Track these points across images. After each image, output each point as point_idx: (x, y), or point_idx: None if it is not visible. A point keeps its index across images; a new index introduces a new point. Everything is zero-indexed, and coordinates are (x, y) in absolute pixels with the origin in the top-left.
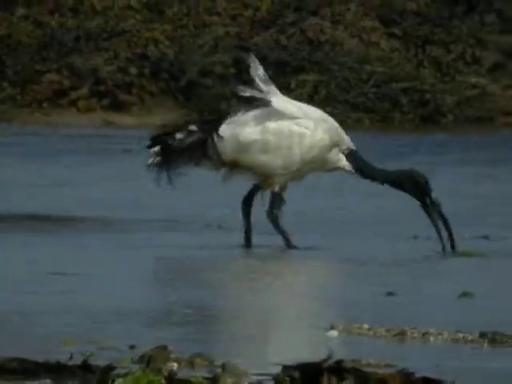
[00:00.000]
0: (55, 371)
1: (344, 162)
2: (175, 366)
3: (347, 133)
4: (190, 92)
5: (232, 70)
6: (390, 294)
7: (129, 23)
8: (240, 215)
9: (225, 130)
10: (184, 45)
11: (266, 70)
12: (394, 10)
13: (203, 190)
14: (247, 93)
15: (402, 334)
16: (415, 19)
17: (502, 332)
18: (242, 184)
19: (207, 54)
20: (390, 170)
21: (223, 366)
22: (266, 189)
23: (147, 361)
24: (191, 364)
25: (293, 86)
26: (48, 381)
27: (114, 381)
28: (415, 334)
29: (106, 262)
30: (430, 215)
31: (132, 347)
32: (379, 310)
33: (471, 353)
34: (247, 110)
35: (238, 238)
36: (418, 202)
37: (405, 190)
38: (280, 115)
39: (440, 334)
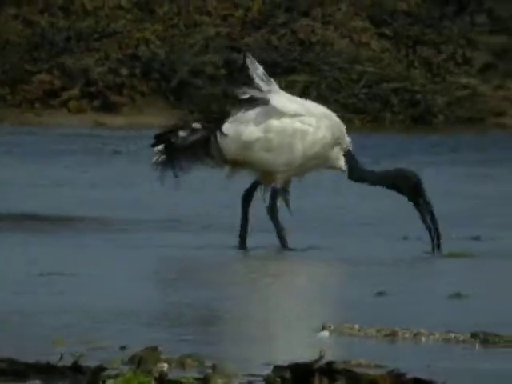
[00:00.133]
0: (45, 372)
1: (342, 162)
2: (166, 366)
3: None
4: (181, 92)
5: (223, 71)
6: (380, 293)
7: (119, 23)
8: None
9: (228, 128)
10: (175, 45)
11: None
12: (384, 11)
13: (203, 191)
14: (247, 94)
15: (393, 335)
16: (406, 19)
17: (493, 332)
18: (243, 184)
19: (198, 53)
20: (381, 170)
21: (214, 367)
22: (267, 185)
23: (138, 362)
24: (182, 365)
25: (283, 86)
26: (38, 382)
27: (104, 382)
28: (406, 335)
29: (106, 262)
30: (422, 215)
31: (123, 348)
32: (370, 311)
33: (463, 353)
34: (249, 109)
35: (237, 239)
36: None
37: (398, 190)
38: (282, 113)
39: (431, 334)
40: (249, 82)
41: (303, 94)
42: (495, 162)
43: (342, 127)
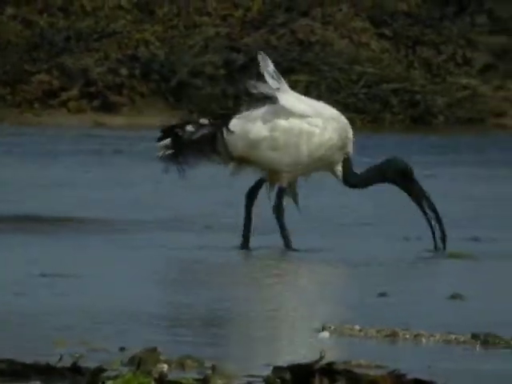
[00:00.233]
0: (44, 373)
1: (339, 167)
2: (165, 367)
3: None
4: (181, 93)
5: (222, 71)
6: (381, 294)
7: (119, 24)
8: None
9: (235, 125)
10: (174, 45)
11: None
12: (384, 11)
13: (204, 191)
14: (257, 89)
15: (393, 335)
16: (406, 20)
17: (494, 333)
18: (246, 183)
19: (198, 54)
20: (369, 168)
21: (213, 368)
22: (273, 184)
23: (137, 363)
24: (182, 365)
25: None
26: (37, 383)
27: (103, 383)
28: (407, 336)
29: (106, 262)
30: (420, 206)
31: (122, 349)
32: (371, 311)
33: (463, 354)
34: (258, 107)
35: (239, 239)
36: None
37: (390, 182)
38: (290, 113)
39: (432, 335)
40: (260, 78)
41: (303, 94)
42: (495, 162)
43: (350, 130)
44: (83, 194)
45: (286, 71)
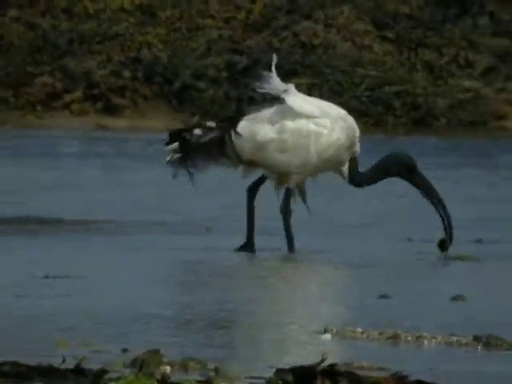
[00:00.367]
0: (47, 375)
1: (346, 167)
2: (168, 369)
3: None
4: (184, 95)
5: (225, 73)
6: (383, 296)
7: (122, 26)
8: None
9: (243, 127)
10: (177, 48)
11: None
12: (386, 14)
13: (210, 194)
14: (264, 90)
15: (395, 338)
16: (408, 22)
17: (496, 335)
18: (245, 185)
19: (200, 57)
20: (373, 165)
21: (216, 370)
22: (281, 185)
23: (140, 365)
24: (184, 367)
25: None
26: None
27: None
28: (409, 338)
29: (109, 264)
30: (428, 197)
31: (124, 350)
32: (373, 313)
33: (465, 356)
34: (265, 108)
35: (240, 241)
36: (416, 204)
37: (395, 176)
38: (297, 114)
39: (434, 337)
40: (268, 80)
41: None
42: (498, 164)
43: (357, 129)
44: (85, 195)
45: (288, 74)
